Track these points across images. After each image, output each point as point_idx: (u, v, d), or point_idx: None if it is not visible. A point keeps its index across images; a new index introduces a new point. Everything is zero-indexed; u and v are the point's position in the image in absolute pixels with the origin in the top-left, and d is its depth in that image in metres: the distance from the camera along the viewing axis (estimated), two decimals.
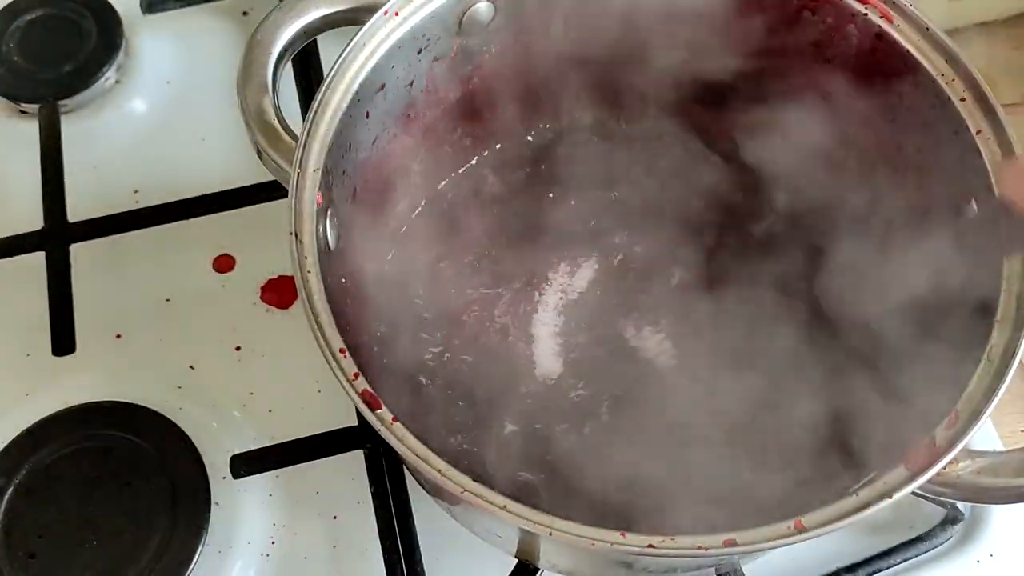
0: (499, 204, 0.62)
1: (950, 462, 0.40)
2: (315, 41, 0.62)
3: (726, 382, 0.56)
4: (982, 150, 0.47)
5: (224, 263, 0.68)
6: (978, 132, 0.47)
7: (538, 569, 0.55)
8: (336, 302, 0.44)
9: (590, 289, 0.60)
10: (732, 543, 0.38)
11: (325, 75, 0.48)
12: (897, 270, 0.58)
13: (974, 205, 0.48)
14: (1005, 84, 0.77)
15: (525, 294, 0.60)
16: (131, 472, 0.58)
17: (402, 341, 0.57)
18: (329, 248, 0.47)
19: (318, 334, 0.42)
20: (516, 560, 0.56)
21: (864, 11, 0.50)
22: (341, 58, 0.48)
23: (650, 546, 0.38)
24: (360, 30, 0.49)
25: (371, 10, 0.50)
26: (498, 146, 0.63)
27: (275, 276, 0.67)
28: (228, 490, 0.60)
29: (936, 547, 0.59)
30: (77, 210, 0.68)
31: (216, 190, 0.69)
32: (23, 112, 0.74)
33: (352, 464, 0.60)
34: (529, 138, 0.63)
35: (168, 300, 0.67)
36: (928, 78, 0.49)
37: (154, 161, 0.72)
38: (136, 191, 0.71)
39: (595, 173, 0.63)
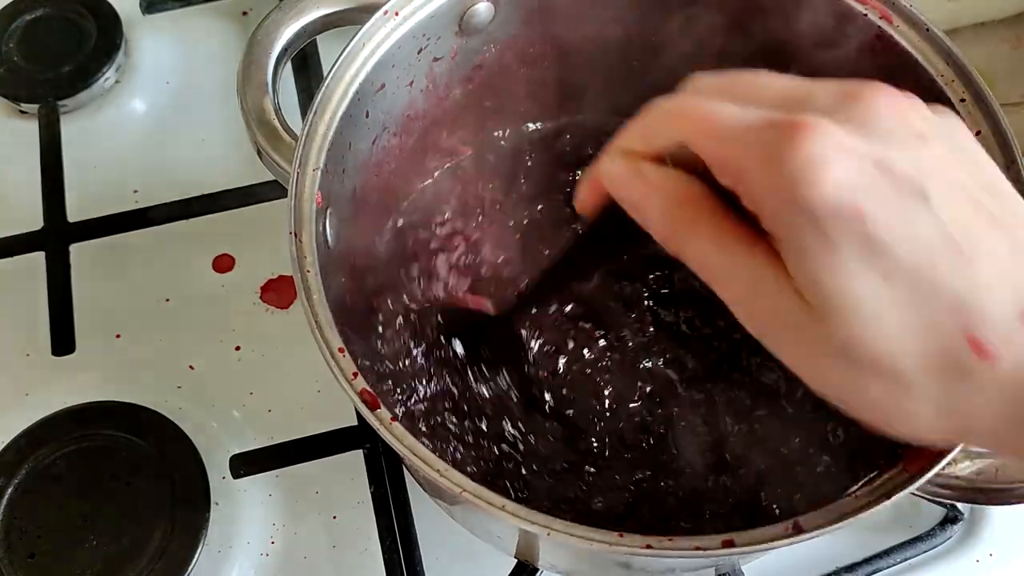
0: (499, 202, 0.62)
1: (949, 462, 0.40)
2: (315, 41, 0.62)
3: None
4: None
5: (224, 263, 0.68)
6: (977, 132, 0.47)
7: (537, 569, 0.56)
8: (336, 302, 0.44)
9: (598, 293, 0.60)
10: (730, 544, 0.38)
11: (325, 75, 0.48)
12: None
13: None
14: (1005, 84, 0.77)
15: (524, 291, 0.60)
16: (131, 472, 0.58)
17: (400, 339, 0.57)
18: (329, 248, 0.47)
19: (318, 334, 0.42)
20: (516, 560, 0.56)
21: (864, 11, 0.50)
22: (341, 58, 0.48)
23: (648, 546, 0.38)
24: (360, 30, 0.49)
25: (371, 10, 0.50)
26: (498, 145, 0.63)
27: (275, 276, 0.67)
28: (228, 490, 0.60)
29: (936, 547, 0.59)
30: (77, 210, 0.68)
31: (216, 190, 0.69)
32: (23, 112, 0.74)
33: (352, 464, 0.60)
34: (529, 136, 0.63)
35: (168, 300, 0.67)
36: (927, 78, 0.49)
37: (154, 161, 0.72)
38: (136, 191, 0.71)
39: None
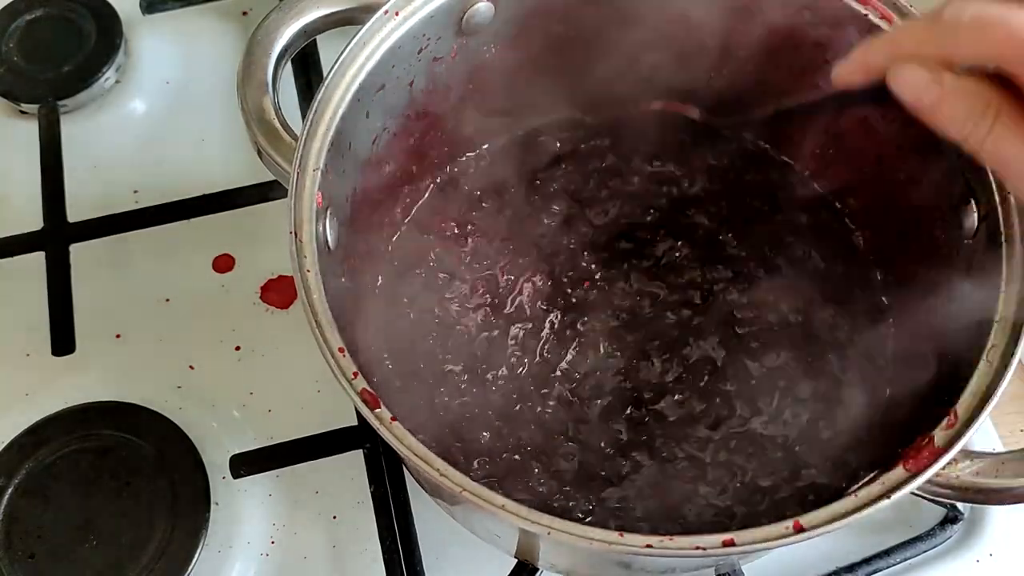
0: (498, 203, 0.62)
1: (949, 462, 0.40)
2: (315, 41, 0.62)
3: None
4: None
5: (224, 263, 0.68)
6: None
7: (537, 569, 0.56)
8: (336, 302, 0.44)
9: (592, 292, 0.60)
10: (731, 543, 0.38)
11: (325, 75, 0.48)
12: (897, 270, 0.58)
13: (973, 206, 0.48)
14: None
15: (522, 296, 0.60)
16: (131, 472, 0.58)
17: (400, 341, 0.57)
18: (329, 248, 0.47)
19: (317, 334, 0.42)
20: (516, 560, 0.56)
21: (864, 12, 0.50)
22: (341, 58, 0.48)
23: (648, 546, 0.38)
24: (360, 30, 0.49)
25: (371, 10, 0.50)
26: (498, 146, 0.63)
27: (275, 276, 0.67)
28: (228, 490, 0.60)
29: (936, 547, 0.59)
30: (77, 210, 0.68)
31: (216, 190, 0.69)
32: (23, 112, 0.74)
33: (352, 464, 0.60)
34: (529, 138, 0.63)
35: (168, 300, 0.67)
36: None
37: (154, 161, 0.72)
38: (136, 191, 0.71)
39: (596, 172, 0.63)
